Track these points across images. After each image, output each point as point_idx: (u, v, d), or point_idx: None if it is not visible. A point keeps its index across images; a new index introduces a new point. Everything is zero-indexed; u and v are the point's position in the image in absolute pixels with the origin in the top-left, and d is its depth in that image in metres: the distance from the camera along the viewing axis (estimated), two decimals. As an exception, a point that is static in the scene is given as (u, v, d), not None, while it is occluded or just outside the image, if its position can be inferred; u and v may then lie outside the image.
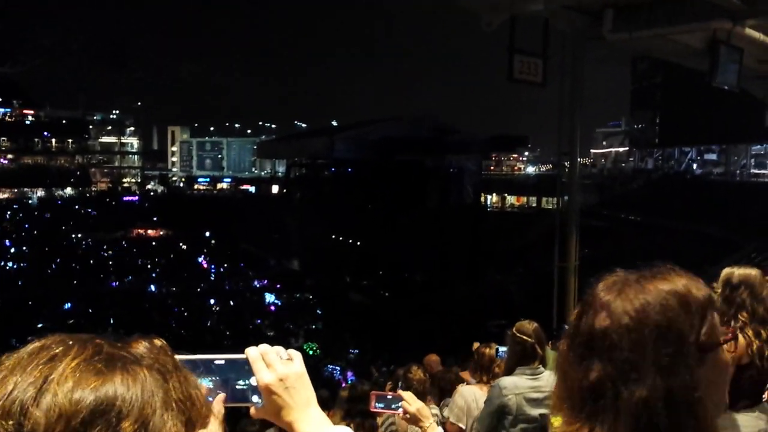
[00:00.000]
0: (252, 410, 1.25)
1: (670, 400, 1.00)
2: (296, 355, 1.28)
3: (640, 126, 69.87)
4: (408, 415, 2.58)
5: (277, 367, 1.23)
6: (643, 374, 1.01)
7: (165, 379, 0.84)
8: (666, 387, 1.01)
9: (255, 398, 1.23)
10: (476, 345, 6.30)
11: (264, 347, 1.25)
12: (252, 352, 1.24)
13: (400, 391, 2.78)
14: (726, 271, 2.77)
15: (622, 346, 1.04)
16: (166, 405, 0.82)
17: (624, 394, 1.01)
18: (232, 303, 39.32)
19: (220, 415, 1.19)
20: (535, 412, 4.06)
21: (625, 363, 1.03)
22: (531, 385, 4.06)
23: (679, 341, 1.03)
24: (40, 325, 31.99)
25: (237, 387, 1.23)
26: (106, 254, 54.59)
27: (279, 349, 1.27)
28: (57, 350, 0.80)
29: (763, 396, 2.54)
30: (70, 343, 0.82)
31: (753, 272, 2.79)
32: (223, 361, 1.23)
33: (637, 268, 1.13)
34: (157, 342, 0.91)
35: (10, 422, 0.73)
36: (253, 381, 1.23)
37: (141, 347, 0.88)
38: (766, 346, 2.52)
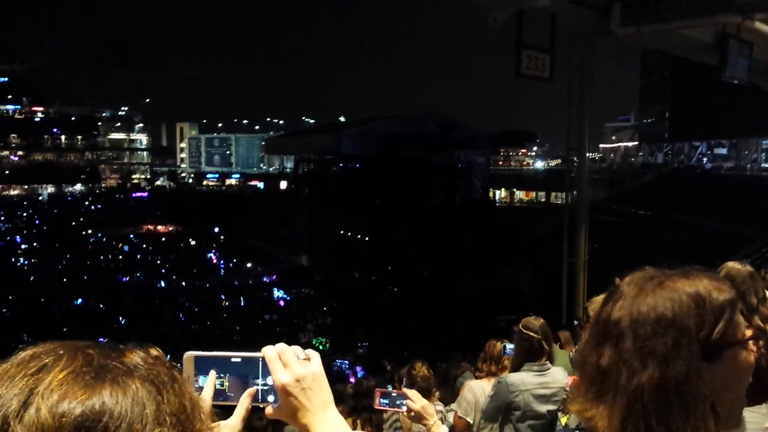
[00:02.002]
0: (267, 410, 1.22)
1: (662, 389, 1.05)
2: (314, 356, 1.24)
3: (649, 120, 69.47)
4: (413, 413, 2.58)
5: (294, 368, 1.19)
6: (642, 362, 1.08)
7: (159, 392, 0.79)
8: (661, 376, 1.06)
9: (271, 398, 1.21)
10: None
11: (281, 346, 1.22)
12: (269, 351, 1.21)
13: (404, 389, 2.78)
14: (722, 266, 2.77)
15: (629, 334, 1.10)
16: (159, 419, 0.77)
17: (622, 379, 1.08)
18: (241, 298, 39.46)
19: (246, 411, 1.19)
20: (543, 408, 4.07)
21: (628, 351, 1.09)
22: (538, 382, 4.06)
23: (682, 334, 1.08)
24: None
25: (253, 386, 1.21)
26: (116, 250, 54.85)
27: (297, 348, 1.23)
28: (46, 360, 0.77)
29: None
30: (61, 352, 0.78)
31: (739, 267, 2.78)
32: (239, 359, 1.22)
33: (667, 267, 1.19)
34: (153, 351, 0.87)
35: None
36: (269, 380, 1.20)
37: (136, 357, 0.83)
38: None
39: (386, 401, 2.69)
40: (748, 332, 1.13)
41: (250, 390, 1.20)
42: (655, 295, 1.12)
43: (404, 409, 2.61)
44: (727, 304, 1.11)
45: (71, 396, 0.73)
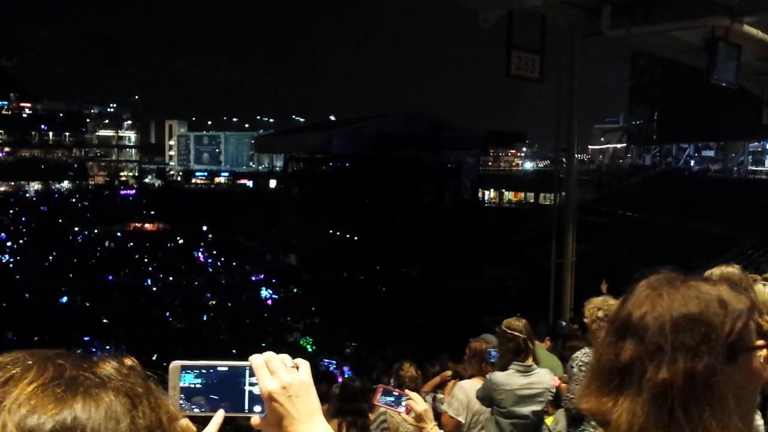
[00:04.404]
0: (254, 419, 1.19)
1: (690, 383, 1.04)
2: (303, 364, 1.21)
3: (638, 122, 69.85)
4: (414, 415, 2.55)
5: (281, 375, 1.17)
6: (669, 356, 1.07)
7: (133, 405, 0.76)
8: (687, 369, 1.05)
9: (257, 408, 1.18)
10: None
11: (269, 354, 1.19)
12: (256, 359, 1.18)
13: (407, 391, 2.74)
14: (707, 272, 2.77)
15: (655, 328, 1.09)
16: None
17: (648, 373, 1.07)
18: (228, 297, 39.27)
19: (218, 424, 1.15)
20: (527, 409, 4.08)
21: (655, 344, 1.08)
22: (523, 383, 4.08)
23: (709, 330, 1.08)
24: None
25: (239, 395, 1.18)
26: (103, 248, 54.49)
27: (284, 356, 1.20)
28: (14, 371, 0.73)
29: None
30: (29, 362, 0.74)
31: (731, 269, 2.80)
32: (226, 368, 1.19)
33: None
34: (128, 361, 0.83)
35: None
36: (256, 389, 1.18)
37: (109, 367, 0.79)
38: None
39: (387, 399, 2.64)
40: (760, 342, 1.13)
41: (219, 414, 1.16)
42: (680, 293, 1.12)
43: (402, 409, 2.57)
44: (745, 309, 1.12)
45: (41, 410, 0.69)
